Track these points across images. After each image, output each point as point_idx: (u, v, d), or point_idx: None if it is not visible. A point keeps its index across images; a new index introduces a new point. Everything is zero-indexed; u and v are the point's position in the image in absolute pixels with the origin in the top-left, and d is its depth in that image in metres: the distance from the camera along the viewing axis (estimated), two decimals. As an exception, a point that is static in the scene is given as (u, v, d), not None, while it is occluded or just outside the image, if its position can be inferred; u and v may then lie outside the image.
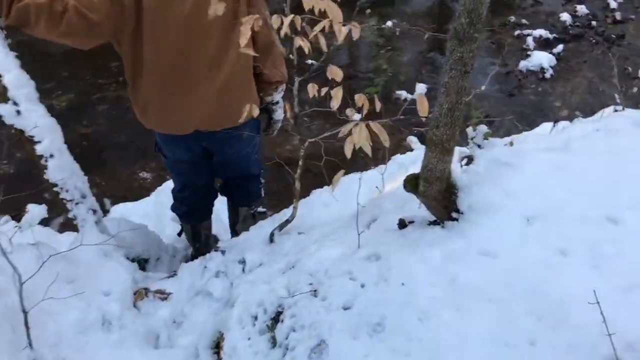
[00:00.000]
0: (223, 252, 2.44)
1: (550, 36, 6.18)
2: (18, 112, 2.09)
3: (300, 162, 2.19)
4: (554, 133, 2.70)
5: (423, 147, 4.18)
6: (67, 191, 2.23)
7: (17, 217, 3.89)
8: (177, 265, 2.94)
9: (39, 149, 2.14)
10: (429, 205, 1.64)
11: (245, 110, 2.14)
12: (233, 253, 2.41)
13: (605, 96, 5.20)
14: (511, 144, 1.75)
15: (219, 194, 2.83)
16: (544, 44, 6.12)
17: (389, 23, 6.40)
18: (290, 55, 2.05)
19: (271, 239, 2.40)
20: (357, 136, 1.87)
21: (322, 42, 1.91)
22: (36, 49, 5.55)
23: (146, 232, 2.75)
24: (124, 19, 1.95)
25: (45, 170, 2.18)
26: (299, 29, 1.89)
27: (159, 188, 3.73)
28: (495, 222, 1.52)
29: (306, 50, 1.94)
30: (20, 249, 2.05)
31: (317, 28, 1.82)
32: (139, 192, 4.08)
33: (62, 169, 2.20)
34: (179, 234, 3.08)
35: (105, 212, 3.84)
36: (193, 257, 2.97)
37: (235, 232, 2.94)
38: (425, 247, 1.54)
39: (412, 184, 1.60)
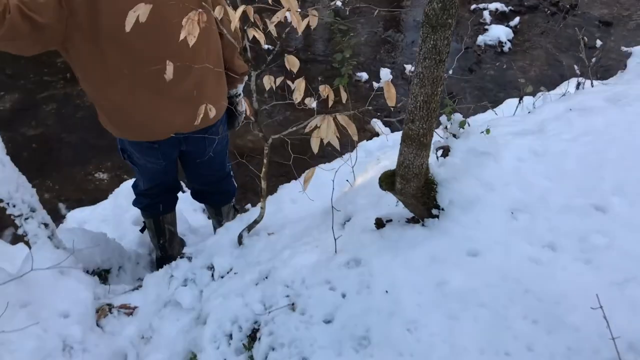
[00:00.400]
0: (190, 258, 2.31)
1: (506, 9, 6.15)
2: (-48, 124, 1.90)
3: (265, 160, 2.06)
4: (523, 111, 2.63)
5: (387, 131, 4.05)
6: (14, 206, 2.06)
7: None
8: (141, 273, 2.80)
9: (-22, 163, 1.96)
10: (407, 203, 1.54)
11: (220, 105, 2.15)
12: (200, 259, 2.28)
13: (564, 68, 5.20)
14: (488, 131, 1.66)
15: (195, 200, 2.82)
16: (500, 17, 6.09)
17: (339, 3, 6.27)
18: (246, 47, 1.91)
19: (240, 241, 2.28)
20: (325, 131, 1.76)
21: (272, 28, 1.79)
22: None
23: (105, 240, 2.59)
24: (74, 22, 1.78)
25: (-12, 191, 2.00)
26: (251, 20, 1.76)
27: (116, 190, 3.54)
28: (478, 218, 1.44)
29: (262, 42, 1.81)
30: (-35, 274, 1.88)
31: (275, 19, 1.69)
32: (95, 194, 3.88)
33: (7, 182, 2.02)
34: (142, 230, 2.93)
35: (61, 218, 3.66)
36: (158, 260, 2.84)
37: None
38: (407, 249, 1.44)
39: (388, 182, 1.50)
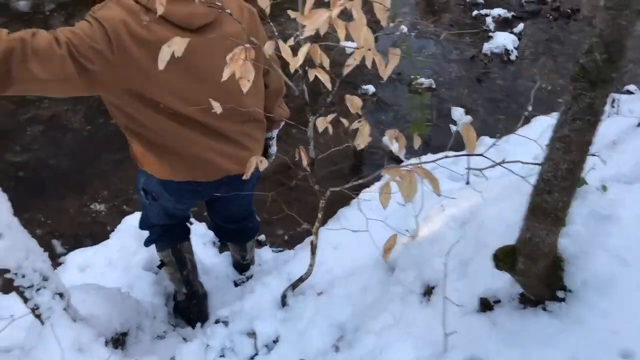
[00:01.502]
0: (226, 322, 2.02)
1: (509, 15, 5.95)
2: (-52, 184, 1.58)
3: (319, 215, 1.79)
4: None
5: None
6: (23, 276, 1.74)
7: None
8: (159, 328, 2.49)
9: (-19, 229, 1.64)
10: (528, 285, 1.28)
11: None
12: (239, 323, 2.00)
13: (576, 76, 5.01)
14: (604, 188, 1.41)
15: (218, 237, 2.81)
16: (503, 24, 5.89)
17: (404, 28, 5.64)
18: (304, 90, 1.63)
19: (283, 301, 2.00)
20: (407, 189, 1.50)
21: (346, 70, 1.52)
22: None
23: (121, 298, 2.28)
24: (127, 72, 1.65)
25: (-9, 255, 1.67)
26: (317, 60, 1.48)
27: (119, 227, 3.20)
28: (621, 304, 1.18)
29: (329, 85, 1.53)
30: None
31: (352, 62, 1.41)
32: (93, 227, 3.55)
33: (15, 249, 1.70)
34: (160, 267, 2.63)
35: (57, 257, 3.31)
36: (184, 301, 2.58)
37: (243, 266, 2.87)
38: (536, 346, 1.18)
39: (507, 261, 1.23)
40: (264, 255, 3.13)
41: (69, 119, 4.38)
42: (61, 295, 1.83)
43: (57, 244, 3.44)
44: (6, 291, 2.95)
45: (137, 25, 1.63)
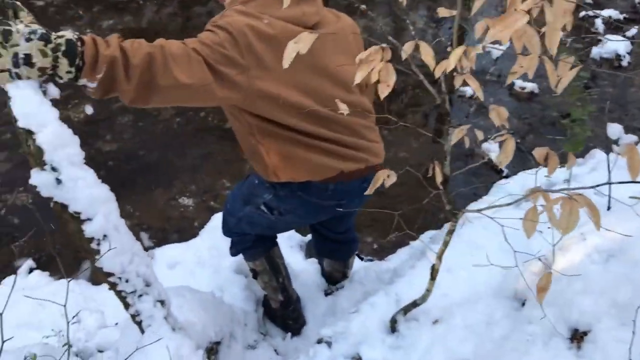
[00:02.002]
0: (329, 343, 1.86)
1: (621, 16, 5.51)
2: (58, 180, 1.50)
3: (448, 238, 1.60)
4: None
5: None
6: (127, 281, 1.64)
7: (39, 259, 3.34)
8: (250, 336, 2.38)
9: (88, 229, 1.55)
10: None
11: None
12: (343, 344, 1.84)
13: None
14: None
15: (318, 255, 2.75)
16: (614, 27, 5.46)
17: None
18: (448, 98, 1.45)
19: (393, 327, 1.82)
20: (566, 220, 1.29)
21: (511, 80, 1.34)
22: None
23: (215, 304, 2.17)
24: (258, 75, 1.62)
25: (97, 257, 1.59)
26: (467, 65, 1.30)
27: (208, 225, 3.12)
28: None
29: (480, 94, 1.34)
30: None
31: (518, 69, 1.22)
32: (180, 223, 3.50)
33: (121, 252, 1.61)
34: (255, 277, 2.51)
35: (145, 250, 3.27)
36: (280, 309, 2.48)
37: (336, 280, 2.77)
38: None
39: None
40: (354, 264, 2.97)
41: (159, 110, 4.37)
42: (162, 302, 1.73)
43: (144, 236, 3.41)
44: (94, 282, 2.95)
45: (260, 23, 1.61)
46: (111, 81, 1.39)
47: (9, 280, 2.88)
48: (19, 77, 1.33)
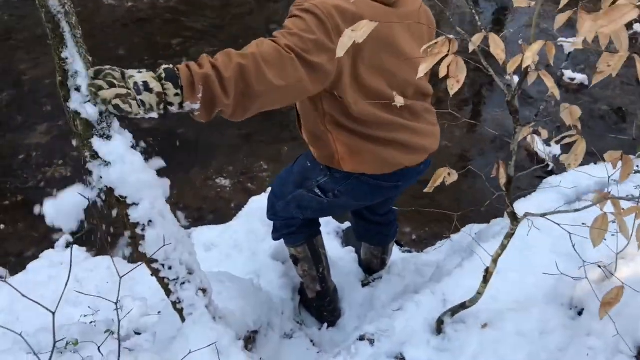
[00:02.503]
0: (371, 341, 1.80)
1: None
2: (106, 162, 1.46)
3: (505, 241, 1.51)
4: None
5: (550, 152, 3.30)
6: (170, 268, 1.61)
7: (77, 234, 3.34)
8: (287, 325, 2.33)
9: (134, 215, 1.51)
10: None
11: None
12: (386, 343, 1.78)
13: None
14: None
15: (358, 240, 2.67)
16: None
17: None
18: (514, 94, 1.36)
19: (439, 328, 1.75)
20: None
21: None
22: (85, 21, 4.91)
23: (254, 291, 2.13)
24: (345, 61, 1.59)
25: (141, 242, 1.55)
26: (551, 60, 1.22)
27: (246, 209, 3.08)
28: None
29: (556, 92, 1.25)
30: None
31: (605, 68, 1.12)
32: (217, 203, 3.47)
33: (165, 238, 1.57)
34: (295, 263, 2.45)
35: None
36: (316, 299, 2.45)
37: (373, 269, 2.73)
38: None
39: None
40: (392, 255, 2.91)
41: (198, 88, 4.33)
42: (204, 291, 1.69)
43: (181, 216, 3.38)
44: (130, 260, 2.94)
45: (345, 3, 1.56)
46: (211, 98, 1.41)
47: (47, 253, 2.89)
48: (143, 104, 1.39)
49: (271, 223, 2.71)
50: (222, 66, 1.41)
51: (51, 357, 1.34)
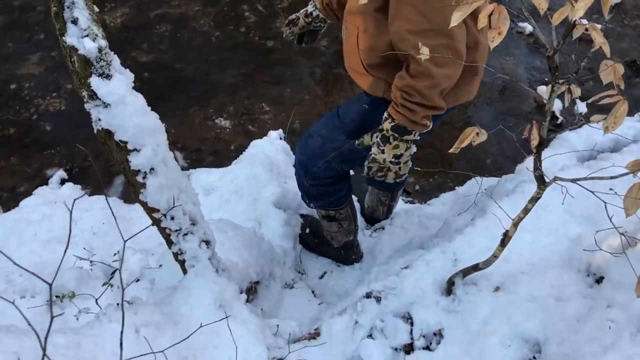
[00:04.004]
0: (378, 298, 1.75)
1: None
2: (106, 104, 1.35)
3: (529, 205, 1.43)
4: None
5: (559, 106, 3.16)
6: (172, 219, 1.52)
7: (71, 170, 3.24)
8: (288, 275, 2.28)
9: (135, 161, 1.42)
10: None
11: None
12: (393, 301, 1.73)
13: None
14: None
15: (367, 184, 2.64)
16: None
17: None
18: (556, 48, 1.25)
19: (450, 289, 1.70)
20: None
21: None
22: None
23: (256, 242, 2.07)
24: None
25: (142, 191, 1.46)
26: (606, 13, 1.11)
27: (246, 153, 2.98)
28: None
29: (606, 50, 1.14)
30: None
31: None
32: (216, 144, 3.36)
33: (168, 188, 1.48)
34: (330, 221, 2.32)
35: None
36: (342, 250, 2.46)
37: (376, 218, 2.72)
38: None
39: None
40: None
41: (198, 21, 4.13)
42: (207, 243, 1.61)
43: (179, 156, 3.28)
44: (126, 200, 2.85)
45: None
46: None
47: (41, 190, 2.80)
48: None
49: (274, 168, 2.61)
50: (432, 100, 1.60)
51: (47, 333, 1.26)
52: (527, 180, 2.08)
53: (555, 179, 1.33)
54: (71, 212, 1.04)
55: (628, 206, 1.24)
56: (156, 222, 1.53)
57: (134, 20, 4.11)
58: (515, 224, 1.45)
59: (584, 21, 1.23)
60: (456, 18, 1.21)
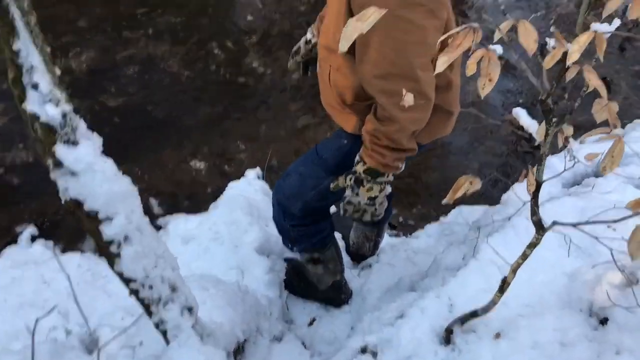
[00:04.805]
0: (374, 353, 1.66)
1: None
2: (73, 173, 1.26)
3: (528, 251, 1.37)
4: None
5: (534, 125, 3.19)
6: (150, 287, 1.42)
7: (42, 225, 3.11)
8: (276, 327, 2.18)
9: (107, 231, 1.32)
10: None
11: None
12: (390, 355, 1.65)
13: None
14: None
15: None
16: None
17: None
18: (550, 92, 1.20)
19: (448, 338, 1.62)
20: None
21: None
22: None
23: (241, 297, 1.97)
24: None
25: (116, 262, 1.36)
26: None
27: (225, 196, 2.89)
28: None
29: (604, 93, 1.09)
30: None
31: None
32: (192, 188, 3.27)
33: (144, 255, 1.38)
34: (315, 264, 2.25)
35: (155, 218, 3.05)
36: (330, 291, 2.37)
37: (362, 255, 2.65)
38: None
39: None
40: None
41: (166, 61, 4.06)
42: (190, 309, 1.51)
43: (154, 203, 3.18)
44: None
45: None
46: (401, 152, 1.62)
47: (9, 250, 2.66)
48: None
49: (255, 211, 2.53)
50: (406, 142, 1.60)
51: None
52: (515, 213, 2.02)
53: (555, 223, 1.27)
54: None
55: (633, 250, 1.18)
56: (134, 293, 1.42)
57: (100, 64, 4.01)
58: (514, 270, 1.39)
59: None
60: (441, 63, 1.15)
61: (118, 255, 1.35)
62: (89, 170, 1.26)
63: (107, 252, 1.35)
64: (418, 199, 3.32)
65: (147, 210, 3.09)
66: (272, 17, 4.40)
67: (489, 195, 3.19)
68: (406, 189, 3.33)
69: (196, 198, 3.19)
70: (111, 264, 1.37)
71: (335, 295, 2.41)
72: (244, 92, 3.85)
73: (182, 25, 4.30)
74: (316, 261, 2.20)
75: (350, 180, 1.69)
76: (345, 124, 1.80)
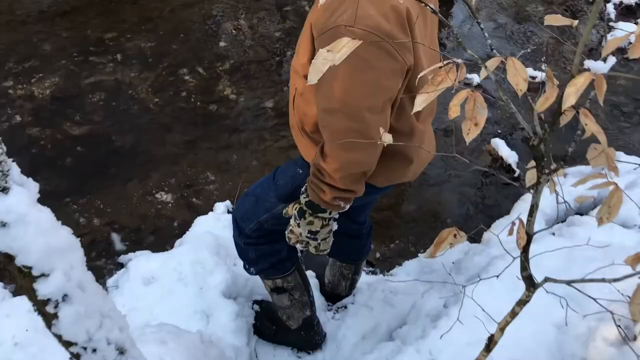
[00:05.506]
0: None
1: (632, 1, 5.16)
2: (3, 224, 1.10)
3: (517, 309, 1.24)
4: None
5: (514, 156, 3.11)
6: (94, 351, 1.25)
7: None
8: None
9: (42, 290, 1.15)
10: None
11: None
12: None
13: None
14: None
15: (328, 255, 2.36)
16: (625, 12, 5.11)
17: None
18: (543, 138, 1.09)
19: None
20: None
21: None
22: (3, 13, 4.38)
23: (203, 350, 1.80)
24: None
25: (54, 322, 1.19)
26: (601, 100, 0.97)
27: (190, 233, 2.73)
28: None
29: (602, 139, 0.98)
30: None
31: None
32: (157, 222, 3.09)
33: (87, 316, 1.21)
34: (279, 293, 2.15)
35: (116, 254, 2.87)
36: (301, 330, 2.24)
37: (338, 295, 2.52)
38: None
39: None
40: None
41: (134, 88, 3.90)
42: (142, 373, 1.34)
43: (116, 238, 2.99)
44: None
45: None
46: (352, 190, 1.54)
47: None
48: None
49: (222, 251, 2.39)
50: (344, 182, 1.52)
51: None
52: (498, 255, 1.90)
53: (547, 280, 1.14)
54: None
55: (635, 312, 1.06)
56: (75, 357, 1.26)
57: (64, 90, 3.83)
58: (502, 329, 1.26)
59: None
60: (419, 102, 1.04)
61: (55, 315, 1.18)
62: (20, 222, 1.10)
63: (43, 311, 1.18)
64: (397, 232, 3.20)
65: (109, 246, 2.96)
66: (245, 44, 4.28)
67: (469, 232, 3.08)
68: (383, 222, 3.21)
69: (161, 233, 3.02)
70: (48, 325, 1.21)
71: (308, 336, 2.27)
72: (215, 120, 3.71)
73: (152, 51, 4.15)
74: (280, 290, 2.11)
75: (295, 209, 1.64)
76: (304, 151, 1.75)
